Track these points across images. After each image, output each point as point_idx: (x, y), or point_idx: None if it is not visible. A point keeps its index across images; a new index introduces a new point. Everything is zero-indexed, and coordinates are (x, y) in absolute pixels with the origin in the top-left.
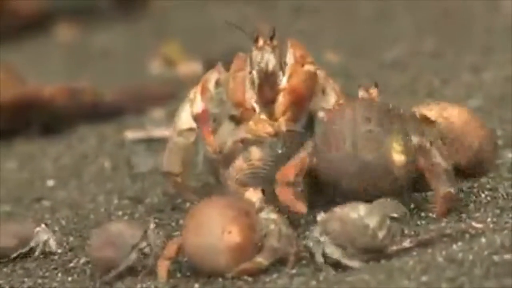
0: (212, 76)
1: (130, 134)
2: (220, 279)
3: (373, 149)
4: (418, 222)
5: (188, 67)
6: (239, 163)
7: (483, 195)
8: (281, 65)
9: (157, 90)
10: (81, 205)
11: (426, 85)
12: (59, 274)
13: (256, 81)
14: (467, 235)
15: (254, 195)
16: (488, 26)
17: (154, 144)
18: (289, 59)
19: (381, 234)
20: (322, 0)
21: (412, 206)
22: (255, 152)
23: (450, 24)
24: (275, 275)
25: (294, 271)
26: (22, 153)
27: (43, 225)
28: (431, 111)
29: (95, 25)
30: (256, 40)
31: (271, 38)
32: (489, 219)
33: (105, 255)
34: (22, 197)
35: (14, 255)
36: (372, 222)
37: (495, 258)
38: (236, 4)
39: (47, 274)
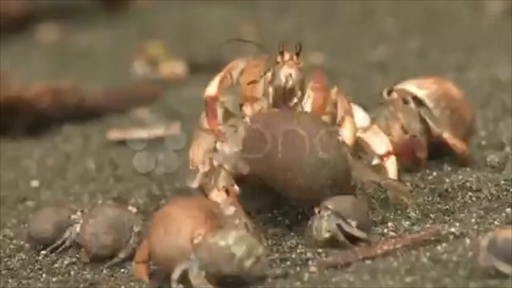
0: (240, 65)
1: (113, 135)
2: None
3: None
4: (402, 223)
5: (172, 67)
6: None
7: (467, 196)
8: (301, 83)
9: (140, 90)
10: (64, 206)
11: None
12: (44, 275)
13: (272, 94)
14: (451, 236)
15: (218, 196)
16: (472, 26)
17: (136, 145)
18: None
19: (248, 263)
20: (306, 0)
21: (396, 207)
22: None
23: (434, 24)
24: (259, 277)
25: (278, 271)
26: (6, 154)
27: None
28: (431, 83)
29: (78, 25)
30: (281, 54)
31: (297, 55)
32: (473, 220)
33: (109, 240)
34: (6, 198)
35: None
36: (239, 251)
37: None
38: (219, 4)
39: (31, 274)
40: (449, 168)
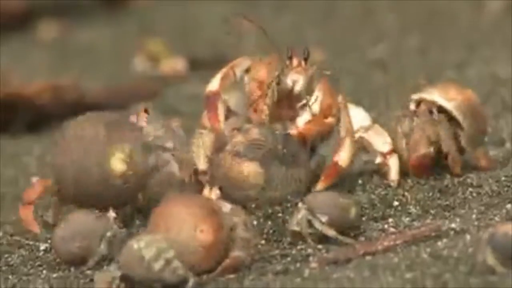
0: (245, 63)
1: None
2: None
3: (92, 156)
4: (403, 219)
5: (172, 64)
6: (238, 137)
7: (467, 192)
8: (309, 89)
9: (140, 87)
10: None
11: (410, 83)
12: (44, 271)
13: (275, 96)
14: (451, 232)
15: (212, 193)
16: (472, 24)
17: None
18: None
19: (157, 266)
20: None
21: (396, 203)
22: (254, 130)
23: (434, 21)
24: (259, 273)
25: (279, 267)
26: (6, 151)
27: None
28: (452, 90)
29: (78, 22)
30: (290, 59)
31: (305, 60)
32: (473, 216)
33: (75, 247)
34: (6, 194)
35: None
36: (148, 253)
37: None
38: (219, 1)
39: (32, 271)
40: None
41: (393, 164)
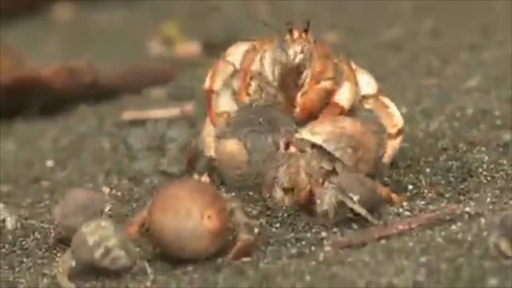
0: (239, 48)
1: (128, 115)
2: (220, 261)
3: None
4: (417, 203)
5: (187, 47)
6: (220, 120)
7: (482, 176)
8: (310, 60)
9: (155, 70)
10: (80, 186)
11: (425, 65)
12: (58, 254)
13: (277, 71)
14: (466, 216)
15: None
16: (487, 6)
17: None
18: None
19: (97, 253)
20: None
21: (410, 187)
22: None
23: (449, 3)
24: (274, 256)
25: (293, 251)
26: (21, 134)
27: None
28: (326, 125)
29: (93, 4)
30: (290, 32)
31: (306, 32)
32: (488, 200)
33: (77, 222)
34: (21, 178)
35: None
36: (91, 239)
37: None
38: None
39: (46, 254)
40: (464, 148)
41: (390, 147)
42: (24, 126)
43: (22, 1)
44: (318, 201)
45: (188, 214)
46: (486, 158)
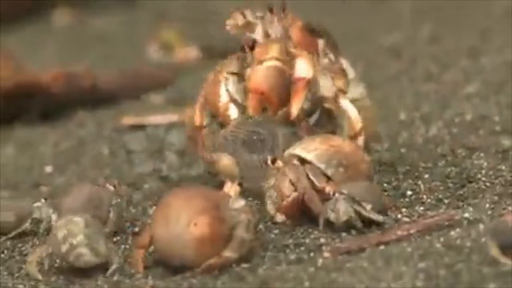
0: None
1: (127, 121)
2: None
3: None
4: (416, 208)
5: (186, 52)
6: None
7: (481, 182)
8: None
9: (155, 75)
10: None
11: (424, 71)
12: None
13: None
14: (465, 222)
15: (231, 189)
16: (486, 11)
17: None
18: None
19: (63, 248)
20: None
21: (409, 193)
22: (232, 124)
23: (448, 8)
24: (272, 262)
25: (292, 257)
26: (21, 139)
27: (43, 200)
28: (318, 143)
29: (92, 9)
30: (270, 11)
31: (283, 11)
32: (487, 206)
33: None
34: (20, 183)
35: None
36: (60, 235)
37: None
38: None
39: None
40: (463, 154)
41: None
42: (23, 131)
43: (22, 6)
44: (330, 212)
45: (177, 221)
46: (485, 164)
